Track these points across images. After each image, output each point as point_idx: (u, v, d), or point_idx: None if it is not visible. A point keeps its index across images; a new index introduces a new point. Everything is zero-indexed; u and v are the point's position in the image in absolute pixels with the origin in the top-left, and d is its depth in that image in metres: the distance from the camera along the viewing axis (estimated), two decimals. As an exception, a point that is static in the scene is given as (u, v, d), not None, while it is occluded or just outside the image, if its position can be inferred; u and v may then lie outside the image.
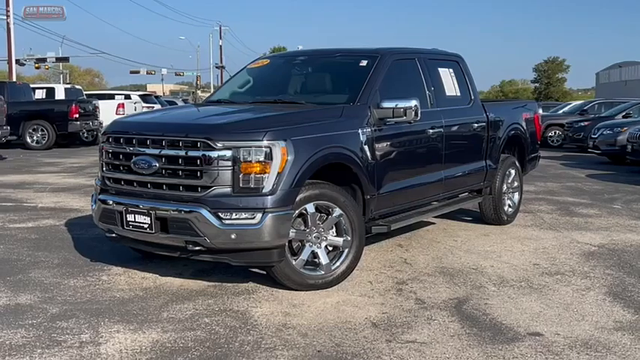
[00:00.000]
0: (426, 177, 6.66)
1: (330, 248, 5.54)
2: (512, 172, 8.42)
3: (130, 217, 5.27)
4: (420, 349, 4.16)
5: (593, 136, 17.64)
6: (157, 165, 5.14)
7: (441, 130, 6.74)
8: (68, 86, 25.09)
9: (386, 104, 5.89)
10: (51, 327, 4.48)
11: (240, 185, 4.93)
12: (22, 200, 9.97)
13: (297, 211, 5.24)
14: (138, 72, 78.47)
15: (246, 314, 4.82)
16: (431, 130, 6.61)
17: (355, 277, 5.76)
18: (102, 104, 22.32)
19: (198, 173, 4.99)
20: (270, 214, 4.92)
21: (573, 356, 4.09)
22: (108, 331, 4.44)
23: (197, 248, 5.07)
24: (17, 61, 54.67)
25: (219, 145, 4.93)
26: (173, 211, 5.05)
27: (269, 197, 4.93)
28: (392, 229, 6.20)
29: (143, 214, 5.18)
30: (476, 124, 7.44)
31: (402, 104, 5.85)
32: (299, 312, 4.88)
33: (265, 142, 4.95)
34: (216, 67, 76.77)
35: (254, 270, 5.72)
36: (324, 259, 5.42)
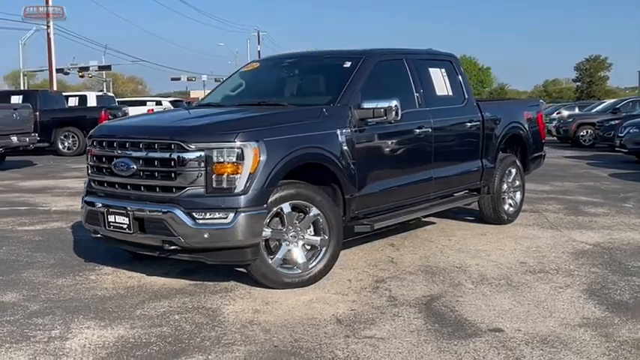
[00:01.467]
0: (413, 176, 6.70)
1: (309, 247, 5.61)
2: (513, 171, 8.39)
3: (111, 218, 5.45)
4: (375, 344, 4.23)
5: (619, 134, 17.35)
6: (135, 167, 5.31)
7: (429, 130, 6.76)
8: (100, 94, 25.69)
9: (366, 105, 5.96)
10: (26, 323, 4.67)
11: (214, 186, 5.06)
12: (37, 204, 10.30)
13: (273, 211, 5.34)
14: (179, 79, 79.72)
15: (217, 311, 4.94)
16: (418, 130, 6.64)
17: (336, 276, 5.84)
18: (132, 111, 22.78)
19: (173, 174, 5.14)
20: (242, 214, 5.04)
21: (527, 351, 4.10)
22: (79, 327, 4.61)
23: (173, 247, 5.21)
24: (61, 70, 56.14)
25: (191, 146, 5.07)
26: (149, 211, 5.21)
27: (241, 197, 5.05)
28: (375, 228, 6.26)
29: (122, 214, 5.36)
30: (469, 124, 7.45)
31: (382, 104, 5.91)
32: (269, 309, 4.98)
33: (237, 144, 5.07)
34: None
35: (238, 269, 5.83)
36: (300, 257, 5.52)
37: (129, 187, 5.42)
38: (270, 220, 5.41)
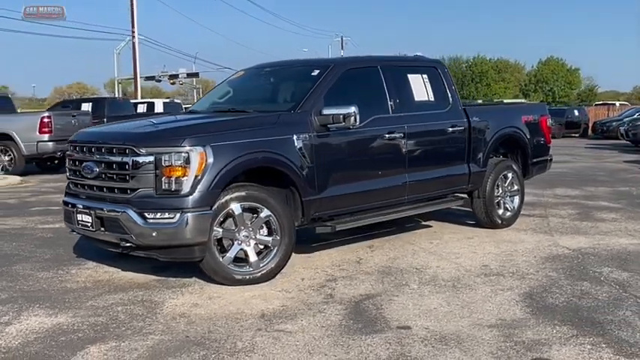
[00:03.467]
0: (383, 180, 6.88)
1: (262, 246, 5.92)
2: (510, 175, 8.40)
3: (79, 217, 5.95)
4: (279, 337, 4.50)
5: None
6: (98, 170, 5.78)
7: (401, 134, 6.93)
8: (167, 100, 26.78)
9: (326, 111, 6.21)
10: (-16, 310, 5.20)
11: (163, 187, 5.46)
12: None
13: (223, 211, 5.68)
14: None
15: (159, 304, 5.33)
16: (388, 135, 6.83)
17: (293, 274, 6.14)
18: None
19: (128, 177, 5.58)
20: (187, 214, 5.41)
21: (416, 348, 4.28)
22: (29, 314, 5.09)
23: (128, 245, 5.65)
24: (152, 78, 58.54)
25: (142, 151, 5.49)
26: (107, 211, 5.67)
27: (187, 198, 5.43)
28: (337, 229, 6.49)
29: (87, 213, 5.84)
30: (451, 129, 7.55)
31: (340, 111, 6.15)
32: (208, 304, 5.32)
33: (183, 148, 5.45)
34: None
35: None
36: (252, 256, 5.84)
37: (94, 188, 5.90)
38: (224, 220, 5.75)
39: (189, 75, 65.15)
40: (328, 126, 6.26)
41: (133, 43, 43.79)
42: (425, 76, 7.53)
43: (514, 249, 7.15)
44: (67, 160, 6.32)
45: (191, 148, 5.45)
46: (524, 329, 4.60)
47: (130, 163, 5.54)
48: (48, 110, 21.34)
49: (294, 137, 6.07)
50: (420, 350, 4.23)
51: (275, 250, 5.90)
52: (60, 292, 5.75)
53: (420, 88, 7.40)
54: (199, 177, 5.45)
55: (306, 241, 7.30)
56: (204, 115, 6.77)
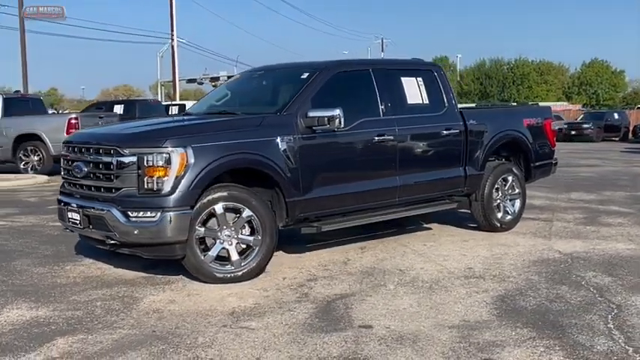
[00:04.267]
0: (373, 182, 6.95)
1: (244, 246, 6.06)
2: (510, 178, 8.38)
3: (70, 215, 6.17)
4: (240, 334, 4.62)
5: None
6: (86, 169, 6.00)
7: (392, 137, 7.00)
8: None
9: (311, 113, 6.32)
10: (-28, 301, 5.44)
11: (145, 187, 5.64)
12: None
13: (206, 211, 5.84)
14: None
15: (137, 300, 5.50)
16: (377, 138, 6.90)
17: (277, 273, 6.28)
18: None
19: (112, 176, 5.78)
20: (168, 213, 5.58)
21: (370, 346, 4.35)
22: (12, 307, 5.32)
23: (113, 242, 5.84)
24: (194, 80, 59.41)
25: (126, 151, 5.68)
26: (94, 209, 5.88)
27: (167, 198, 5.60)
28: (322, 230, 6.59)
29: (75, 211, 6.06)
30: (446, 132, 7.58)
31: (325, 113, 6.25)
32: (184, 301, 5.48)
33: (164, 149, 5.62)
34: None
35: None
36: (234, 255, 5.98)
37: (83, 187, 6.12)
38: (207, 219, 5.90)
39: (230, 77, 65.81)
40: (314, 128, 6.36)
41: (172, 47, 44.58)
42: (420, 79, 7.57)
43: (505, 252, 7.14)
44: (62, 159, 6.55)
45: (172, 149, 5.62)
46: (484, 331, 4.63)
47: (115, 163, 5.73)
48: (83, 111, 21.91)
49: (278, 139, 6.18)
50: (372, 349, 4.31)
51: (257, 250, 6.03)
52: (48, 287, 5.96)
53: (414, 91, 7.45)
54: (180, 177, 5.61)
55: (300, 241, 7.41)
56: (192, 118, 6.94)
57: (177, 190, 5.61)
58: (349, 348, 4.33)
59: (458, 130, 7.70)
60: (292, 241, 7.45)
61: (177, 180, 5.61)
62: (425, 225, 8.83)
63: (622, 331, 4.60)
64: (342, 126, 6.35)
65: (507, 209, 8.44)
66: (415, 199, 7.51)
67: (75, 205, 6.09)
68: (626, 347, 4.29)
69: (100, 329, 4.77)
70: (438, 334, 4.58)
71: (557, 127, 35.26)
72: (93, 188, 6.01)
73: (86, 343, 4.47)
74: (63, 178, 6.55)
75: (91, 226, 5.96)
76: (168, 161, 5.60)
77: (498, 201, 8.31)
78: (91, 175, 6.00)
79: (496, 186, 8.23)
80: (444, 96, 7.74)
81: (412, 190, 7.36)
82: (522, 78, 70.61)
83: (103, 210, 5.79)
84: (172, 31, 44.31)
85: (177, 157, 5.62)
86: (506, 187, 8.39)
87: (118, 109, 21.73)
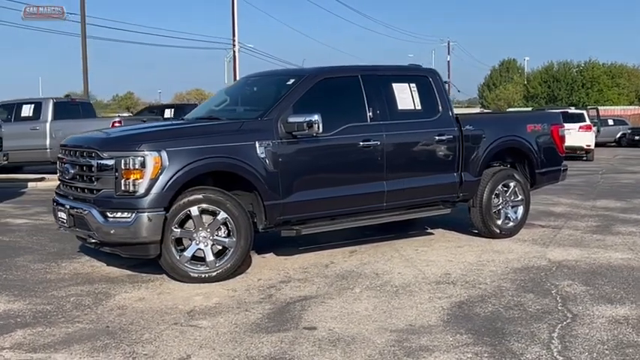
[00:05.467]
0: (358, 187, 7.03)
1: (220, 247, 6.25)
2: (511, 184, 8.31)
3: (59, 214, 6.52)
4: (186, 331, 4.81)
5: None
6: (72, 172, 6.32)
7: (378, 142, 7.07)
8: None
9: (291, 119, 6.47)
10: (-42, 294, 5.82)
11: (122, 189, 5.91)
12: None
13: (182, 213, 6.07)
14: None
15: (110, 297, 5.77)
16: (363, 143, 6.98)
17: (255, 274, 6.48)
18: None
19: (93, 179, 6.07)
20: (141, 214, 5.84)
21: (304, 347, 4.46)
22: (-8, 300, 5.66)
23: (94, 241, 6.14)
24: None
25: (105, 155, 5.98)
26: (77, 209, 6.19)
27: (142, 199, 5.85)
28: (302, 234, 6.72)
29: (63, 211, 6.40)
30: (438, 137, 7.59)
31: (303, 119, 6.40)
32: (153, 298, 5.71)
33: (139, 153, 5.89)
34: (440, 83, 76.86)
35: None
36: (208, 256, 6.18)
37: (72, 188, 6.44)
38: (184, 221, 6.13)
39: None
40: (294, 133, 6.49)
41: (234, 52, 45.41)
42: (413, 85, 7.60)
43: (493, 259, 7.11)
44: (58, 161, 6.89)
45: (146, 152, 5.87)
46: (423, 335, 4.67)
47: (95, 166, 6.02)
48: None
49: (257, 144, 6.35)
50: (303, 350, 4.42)
51: (231, 251, 6.21)
52: (36, 282, 6.30)
53: (406, 97, 7.49)
54: (154, 180, 5.86)
55: (293, 244, 7.57)
56: (178, 123, 7.20)
57: (150, 192, 5.85)
58: (281, 348, 4.45)
59: (452, 136, 7.69)
60: (286, 243, 7.59)
61: (152, 182, 5.85)
62: (428, 230, 8.84)
63: (562, 340, 4.57)
64: (321, 131, 6.45)
65: (509, 216, 8.36)
66: (405, 204, 7.54)
67: (63, 206, 6.41)
68: (558, 357, 4.27)
69: (61, 323, 5.04)
70: (377, 337, 4.65)
71: (620, 133, 34.18)
72: (78, 189, 6.33)
73: (40, 336, 4.73)
74: (58, 179, 6.89)
75: (75, 226, 6.26)
76: (143, 164, 5.85)
77: (498, 207, 8.23)
78: (77, 177, 6.31)
79: (496, 192, 8.17)
80: (439, 101, 7.75)
81: (401, 195, 7.39)
82: (592, 81, 68.53)
83: (84, 210, 6.09)
84: (234, 37, 45.17)
85: (152, 160, 5.86)
86: (508, 194, 8.31)
87: (169, 112, 22.34)
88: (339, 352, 4.38)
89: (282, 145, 6.48)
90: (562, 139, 8.88)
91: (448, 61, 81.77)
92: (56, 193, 6.87)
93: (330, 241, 7.72)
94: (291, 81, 6.94)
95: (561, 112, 24.00)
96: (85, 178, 6.20)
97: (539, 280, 6.22)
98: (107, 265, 6.94)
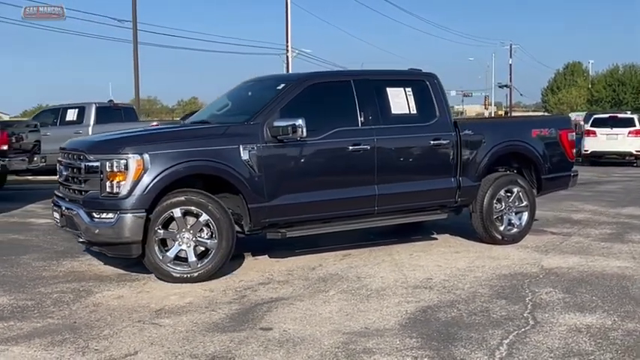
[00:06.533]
0: (347, 191, 7.08)
1: (202, 248, 6.41)
2: (515, 190, 8.20)
3: (54, 214, 6.81)
4: (145, 329, 4.97)
5: None
6: (65, 174, 6.60)
7: (369, 147, 7.11)
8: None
9: (276, 123, 6.59)
10: (-49, 288, 6.14)
11: (106, 190, 6.14)
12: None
13: (165, 214, 6.26)
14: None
15: (91, 294, 5.99)
16: (352, 147, 7.04)
17: (238, 275, 6.65)
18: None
19: (82, 180, 6.33)
20: (123, 215, 6.05)
21: (251, 347, 4.55)
22: (-19, 294, 5.96)
23: (82, 240, 6.39)
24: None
25: (91, 157, 6.22)
26: (67, 209, 6.46)
27: (124, 200, 6.06)
28: (287, 236, 6.82)
29: (57, 211, 6.68)
30: (434, 142, 7.57)
31: (287, 123, 6.51)
32: (131, 297, 5.91)
33: (122, 155, 6.10)
34: (499, 87, 75.92)
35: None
36: (190, 257, 6.34)
37: (65, 189, 6.72)
38: (168, 222, 6.31)
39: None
40: (279, 137, 6.60)
41: (287, 57, 45.88)
42: (409, 89, 7.60)
43: (484, 265, 7.05)
44: (57, 164, 7.19)
45: (129, 155, 6.08)
46: (372, 338, 4.71)
47: (83, 168, 6.27)
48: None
49: (241, 147, 6.49)
50: (248, 350, 4.51)
51: (213, 253, 6.35)
52: (30, 278, 6.59)
53: (401, 101, 7.50)
54: (136, 182, 6.06)
55: (290, 246, 7.68)
56: (167, 127, 7.39)
57: (132, 194, 6.05)
58: (228, 347, 4.55)
59: (448, 141, 7.66)
60: (283, 246, 7.68)
61: (134, 184, 6.05)
62: (434, 235, 8.81)
63: (511, 347, 4.53)
64: (305, 135, 6.53)
65: (512, 222, 8.25)
66: (398, 208, 7.54)
67: (60, 206, 6.68)
68: (496, 364, 4.24)
69: (33, 318, 5.27)
70: (326, 339, 4.71)
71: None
72: (71, 191, 6.58)
73: (8, 329, 4.97)
74: (57, 181, 7.19)
75: (67, 226, 6.52)
76: (126, 166, 6.06)
77: (500, 213, 8.14)
78: (69, 179, 6.58)
79: (498, 197, 8.07)
80: (436, 106, 7.72)
81: (394, 200, 7.40)
82: (663, 85, 66.33)
83: (74, 211, 6.34)
84: (287, 42, 45.66)
85: (134, 163, 6.06)
86: (511, 199, 8.20)
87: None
88: (283, 352, 4.46)
89: (268, 148, 6.59)
90: (571, 144, 8.72)
91: (510, 64, 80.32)
92: (55, 194, 7.15)
93: (329, 245, 7.78)
94: (281, 86, 7.04)
95: (610, 117, 23.49)
96: (75, 179, 6.46)
97: (519, 286, 6.14)
98: (104, 264, 7.17)
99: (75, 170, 6.44)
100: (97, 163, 6.16)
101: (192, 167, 6.31)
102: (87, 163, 6.24)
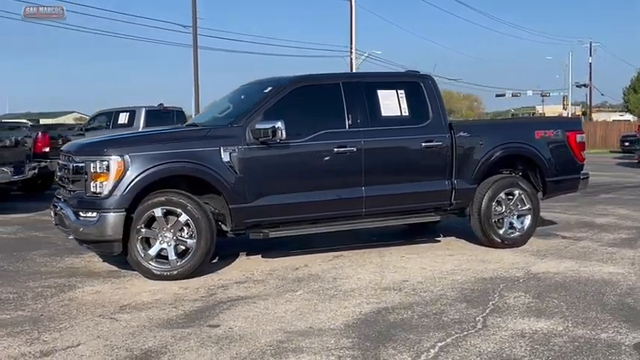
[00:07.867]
0: (333, 193, 7.16)
1: (183, 247, 6.63)
2: (516, 192, 8.07)
3: (51, 212, 7.17)
4: (101, 322, 5.21)
5: None
6: (59, 174, 6.96)
7: (354, 149, 7.16)
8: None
9: (258, 126, 6.75)
10: (-52, 281, 6.57)
11: (90, 190, 6.45)
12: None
13: (147, 214, 6.51)
14: (503, 95, 79.18)
15: (72, 289, 6.30)
16: (338, 149, 7.11)
17: (219, 274, 6.82)
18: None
19: (70, 180, 6.66)
20: (103, 214, 6.34)
21: (189, 342, 4.70)
22: (-27, 287, 6.35)
23: (71, 237, 6.72)
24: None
25: (77, 159, 6.55)
26: (59, 208, 6.81)
27: (105, 200, 6.35)
28: (270, 237, 6.96)
29: (52, 209, 7.04)
30: (425, 144, 7.55)
31: (267, 125, 6.65)
32: (107, 292, 6.18)
33: (105, 157, 6.40)
34: (577, 86, 73.62)
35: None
36: (171, 255, 6.57)
37: (62, 189, 7.08)
38: (151, 221, 6.56)
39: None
40: (260, 140, 6.75)
41: (350, 59, 46.00)
42: (401, 91, 7.60)
43: (469, 268, 6.99)
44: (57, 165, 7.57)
45: (110, 157, 6.36)
46: (309, 338, 4.78)
47: (71, 169, 6.59)
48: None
49: (222, 149, 6.67)
50: (185, 345, 4.67)
51: (192, 252, 6.55)
52: (27, 273, 6.97)
53: (391, 103, 7.51)
54: (117, 182, 6.33)
55: (284, 247, 7.84)
56: (155, 130, 7.64)
57: (113, 194, 6.32)
58: (166, 343, 4.73)
59: (441, 143, 7.61)
60: (280, 247, 7.82)
61: (115, 184, 6.32)
62: (438, 237, 8.76)
63: (442, 350, 4.53)
64: (284, 137, 6.66)
65: (514, 225, 8.11)
66: (388, 210, 7.55)
67: (56, 206, 7.04)
68: (420, 365, 4.26)
69: (8, 310, 5.60)
70: (265, 337, 4.81)
71: None
72: (64, 190, 6.93)
73: (-21, 320, 5.29)
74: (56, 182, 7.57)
75: (59, 224, 6.87)
76: (107, 167, 6.34)
77: (500, 216, 8.02)
78: (62, 179, 6.92)
79: (497, 200, 7.96)
80: (429, 108, 7.69)
81: (383, 202, 7.42)
82: None
83: (63, 210, 6.67)
84: (351, 44, 45.79)
85: (115, 164, 6.33)
86: (512, 202, 8.07)
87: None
88: (215, 348, 4.60)
89: (250, 150, 6.74)
90: (580, 145, 8.48)
91: (590, 63, 77.73)
92: (55, 195, 7.53)
93: (329, 246, 7.87)
94: (268, 89, 7.18)
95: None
96: (66, 180, 6.79)
97: (490, 290, 6.07)
98: (102, 262, 7.48)
99: (66, 171, 6.77)
100: (83, 164, 6.45)
101: (171, 169, 6.53)
102: (74, 164, 6.56)
